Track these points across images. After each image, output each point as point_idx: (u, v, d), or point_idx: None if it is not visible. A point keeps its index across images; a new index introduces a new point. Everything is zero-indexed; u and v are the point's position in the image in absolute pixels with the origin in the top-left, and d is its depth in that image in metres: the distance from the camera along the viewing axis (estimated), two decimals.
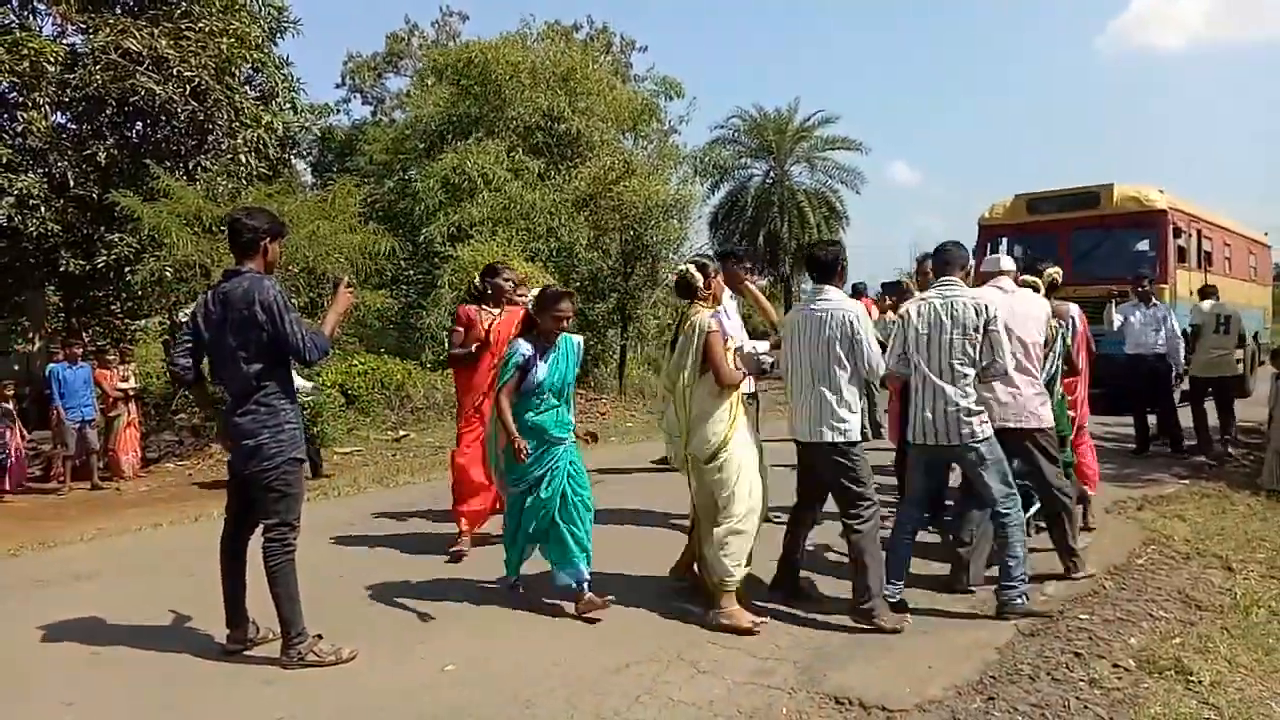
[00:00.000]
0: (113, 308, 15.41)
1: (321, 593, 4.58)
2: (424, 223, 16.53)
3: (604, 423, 13.98)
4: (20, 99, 12.06)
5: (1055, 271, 5.80)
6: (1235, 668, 3.73)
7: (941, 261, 4.66)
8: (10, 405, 9.88)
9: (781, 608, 4.52)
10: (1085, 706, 3.42)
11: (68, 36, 12.86)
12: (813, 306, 4.41)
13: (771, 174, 29.15)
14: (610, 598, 4.60)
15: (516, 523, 4.67)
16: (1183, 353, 9.26)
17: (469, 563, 5.55)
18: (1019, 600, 4.37)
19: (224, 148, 13.46)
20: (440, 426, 13.10)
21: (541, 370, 4.49)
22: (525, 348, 4.49)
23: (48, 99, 12.07)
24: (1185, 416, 9.37)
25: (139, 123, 13.57)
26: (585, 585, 4.52)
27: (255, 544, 4.03)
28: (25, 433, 10.40)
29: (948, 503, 5.38)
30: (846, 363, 4.28)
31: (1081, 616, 4.37)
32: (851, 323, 4.27)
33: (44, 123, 12.07)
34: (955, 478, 5.00)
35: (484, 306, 5.85)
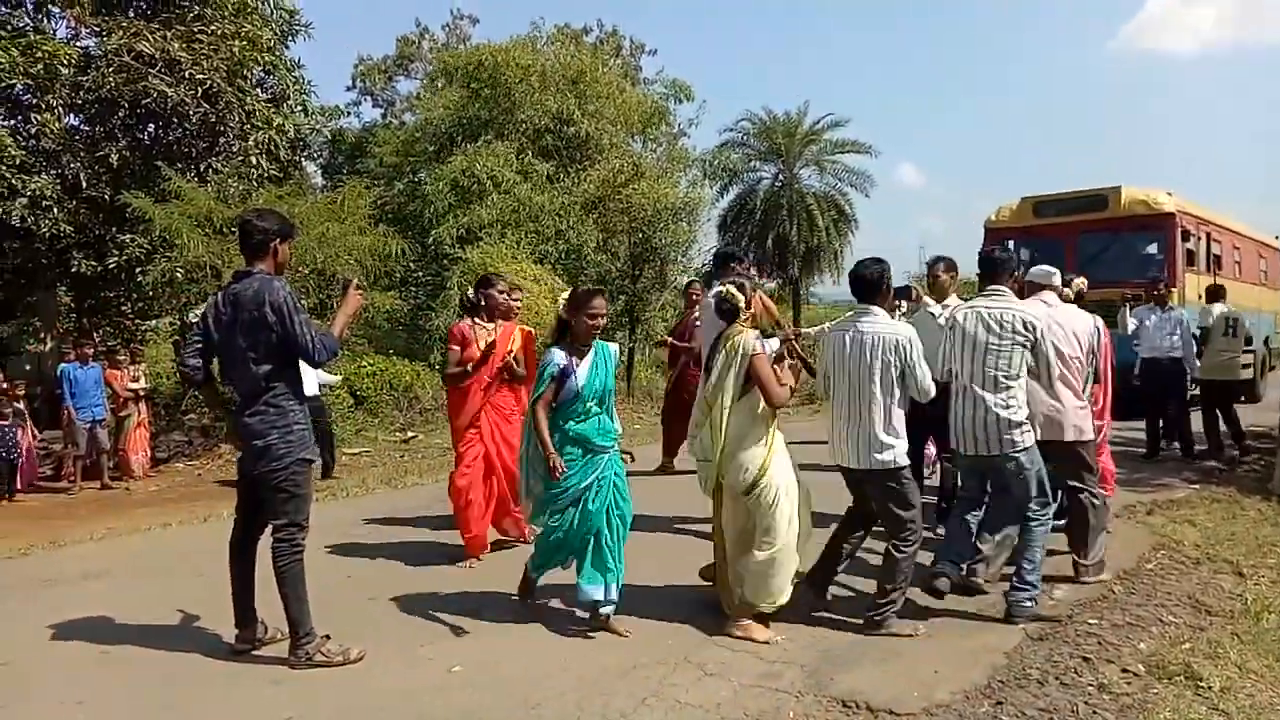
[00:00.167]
0: (124, 308, 15.49)
1: (329, 593, 4.59)
2: (433, 225, 16.59)
3: None
4: (34, 101, 12.16)
5: (1081, 282, 5.79)
6: (1245, 673, 3.70)
7: (991, 269, 4.61)
8: (22, 405, 9.96)
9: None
10: (1094, 712, 3.40)
11: (81, 39, 12.95)
12: (860, 327, 4.26)
13: (780, 177, 29.11)
14: (628, 633, 4.28)
15: (561, 538, 4.32)
16: (1195, 356, 9.23)
17: (476, 565, 5.56)
18: (1028, 603, 4.35)
19: (235, 150, 13.53)
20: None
21: (580, 376, 4.23)
22: (559, 357, 4.23)
23: (61, 101, 12.16)
24: (1194, 421, 9.33)
25: (151, 125, 13.64)
26: (611, 606, 4.26)
27: (265, 544, 4.04)
28: (36, 432, 10.48)
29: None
30: (896, 388, 4.17)
31: (1090, 621, 4.35)
32: (905, 347, 4.15)
33: (57, 125, 12.15)
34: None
35: (477, 321, 5.67)
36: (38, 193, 11.86)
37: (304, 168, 18.50)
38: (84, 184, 12.51)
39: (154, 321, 16.03)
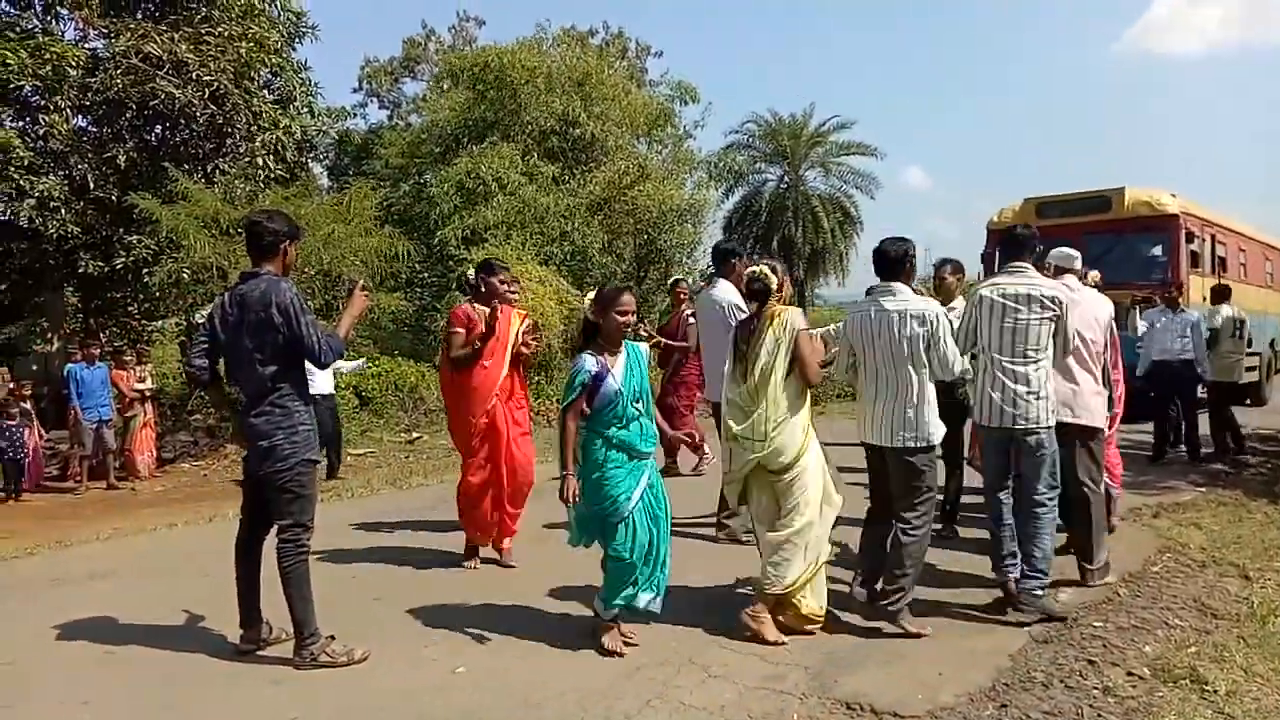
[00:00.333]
0: (130, 309, 15.57)
1: (333, 594, 4.60)
2: (439, 226, 16.62)
3: None
4: (42, 102, 12.24)
5: (1096, 275, 5.79)
6: (1251, 677, 3.69)
7: (1014, 245, 4.61)
8: (28, 405, 10.00)
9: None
10: (1099, 715, 3.39)
11: (89, 41, 13.04)
12: (884, 304, 4.20)
13: (786, 179, 29.16)
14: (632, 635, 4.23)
15: (625, 561, 4.00)
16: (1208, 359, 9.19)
17: (480, 566, 5.57)
18: (1039, 591, 4.34)
19: (242, 151, 13.59)
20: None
21: (616, 379, 3.99)
22: (590, 363, 3.95)
23: (69, 102, 12.23)
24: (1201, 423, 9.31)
25: (158, 126, 13.72)
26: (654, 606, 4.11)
27: (270, 545, 4.05)
28: (43, 432, 10.53)
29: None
30: (926, 361, 4.15)
31: (1095, 624, 4.33)
32: (934, 321, 4.13)
33: (65, 126, 12.23)
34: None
35: (476, 305, 5.47)
36: (45, 193, 11.93)
37: (310, 169, 18.53)
38: (91, 185, 12.58)
39: (160, 322, 16.11)
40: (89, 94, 12.35)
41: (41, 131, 12.28)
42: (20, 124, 12.62)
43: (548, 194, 16.80)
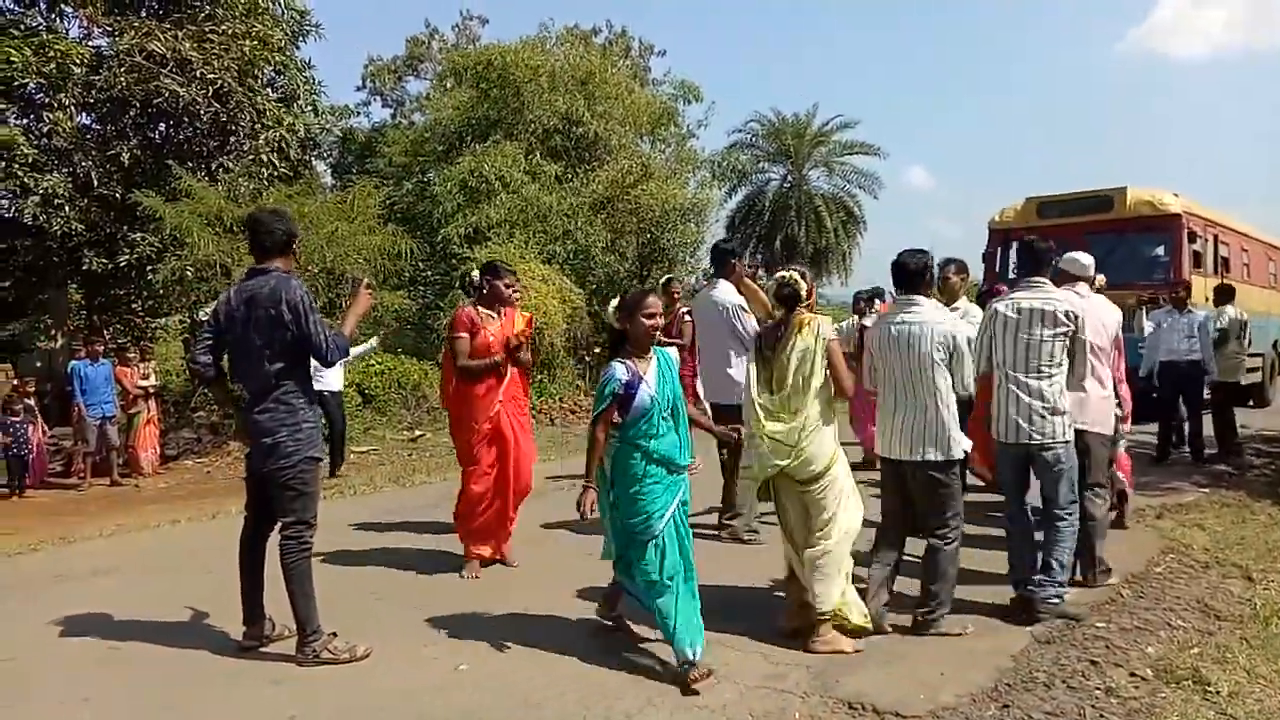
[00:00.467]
0: (134, 306, 15.60)
1: (335, 591, 4.61)
2: (442, 224, 16.61)
3: None
4: (47, 100, 12.26)
5: (1100, 279, 5.78)
6: (1254, 678, 3.69)
7: (1032, 259, 4.61)
8: (32, 401, 10.02)
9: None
10: (1101, 715, 3.39)
11: (94, 39, 13.06)
12: (906, 318, 4.24)
13: (789, 178, 29.15)
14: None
15: (677, 570, 3.82)
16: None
17: (481, 568, 5.56)
18: (1055, 600, 4.35)
19: (245, 149, 13.61)
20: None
21: (650, 386, 3.83)
22: (621, 372, 3.80)
23: (73, 100, 12.26)
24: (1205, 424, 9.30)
25: (162, 124, 13.75)
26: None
27: (273, 542, 4.06)
28: (47, 429, 10.56)
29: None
30: (949, 375, 4.16)
31: (1098, 625, 4.33)
32: (954, 337, 4.16)
33: (69, 123, 12.25)
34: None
35: (480, 308, 5.36)
36: (49, 191, 11.95)
37: (314, 167, 18.57)
38: (95, 182, 12.61)
39: (164, 319, 16.11)
40: (93, 92, 12.38)
41: (46, 129, 12.31)
42: (25, 121, 12.64)
43: (550, 193, 16.79)
